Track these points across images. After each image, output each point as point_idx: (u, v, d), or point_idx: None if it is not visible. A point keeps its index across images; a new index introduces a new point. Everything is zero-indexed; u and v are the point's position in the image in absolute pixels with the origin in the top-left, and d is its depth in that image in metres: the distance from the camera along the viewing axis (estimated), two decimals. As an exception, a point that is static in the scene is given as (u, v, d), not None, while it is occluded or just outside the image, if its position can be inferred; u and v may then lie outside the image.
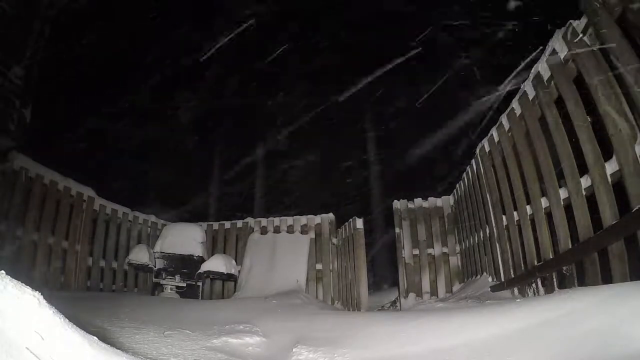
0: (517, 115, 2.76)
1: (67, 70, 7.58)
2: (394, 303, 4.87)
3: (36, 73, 3.96)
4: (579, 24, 1.99)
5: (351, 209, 7.25)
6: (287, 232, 5.21)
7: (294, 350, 1.88)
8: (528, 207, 2.67)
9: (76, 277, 4.23)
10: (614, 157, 1.80)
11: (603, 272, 1.87)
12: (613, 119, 1.76)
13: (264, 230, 5.33)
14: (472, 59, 7.75)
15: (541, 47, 2.35)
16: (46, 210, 3.96)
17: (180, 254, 4.75)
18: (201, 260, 4.75)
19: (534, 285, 2.58)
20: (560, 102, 2.23)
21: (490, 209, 3.33)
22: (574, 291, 1.77)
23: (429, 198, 4.79)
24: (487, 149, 3.39)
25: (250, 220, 5.48)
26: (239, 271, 4.94)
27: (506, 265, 3.07)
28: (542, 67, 2.37)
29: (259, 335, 2.18)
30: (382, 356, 1.73)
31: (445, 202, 4.74)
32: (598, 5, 1.80)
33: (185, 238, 4.85)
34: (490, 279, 3.43)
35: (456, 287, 4.31)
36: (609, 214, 1.81)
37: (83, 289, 4.30)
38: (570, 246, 2.17)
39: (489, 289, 3.21)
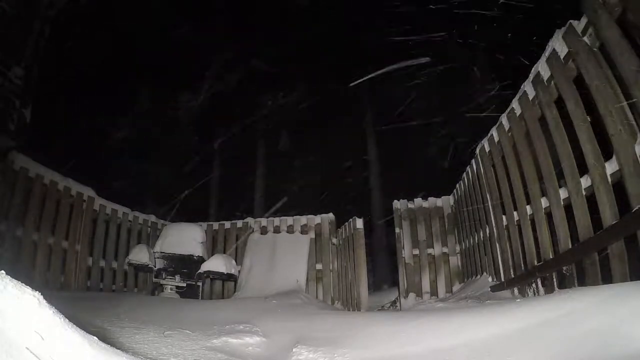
0: (517, 115, 2.76)
1: (67, 70, 7.58)
2: (394, 303, 4.87)
3: (36, 73, 3.96)
4: (579, 24, 1.99)
5: (351, 209, 7.25)
6: (287, 232, 5.21)
7: (294, 350, 1.88)
8: (528, 207, 2.67)
9: (76, 277, 4.23)
10: (614, 157, 1.80)
11: (603, 272, 1.87)
12: (613, 119, 1.76)
13: (264, 230, 5.33)
14: (473, 58, 7.74)
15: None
16: (46, 210, 3.96)
17: (180, 254, 4.75)
18: (201, 260, 4.76)
19: (534, 285, 2.58)
20: (560, 102, 2.23)
21: (490, 209, 3.33)
22: (574, 291, 1.77)
23: (429, 198, 4.79)
24: (487, 149, 3.39)
25: (250, 220, 5.48)
26: (239, 271, 4.94)
27: (506, 265, 3.07)
28: (542, 67, 2.37)
29: (259, 335, 2.18)
30: (382, 356, 1.73)
31: (445, 202, 4.74)
32: (598, 5, 1.80)
33: (185, 238, 4.85)
34: (490, 279, 3.43)
35: (456, 287, 4.31)
36: (609, 214, 1.81)
37: (83, 289, 4.30)
38: (570, 246, 2.17)
39: (489, 289, 3.21)
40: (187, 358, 1.71)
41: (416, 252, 4.59)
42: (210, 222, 5.73)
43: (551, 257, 2.37)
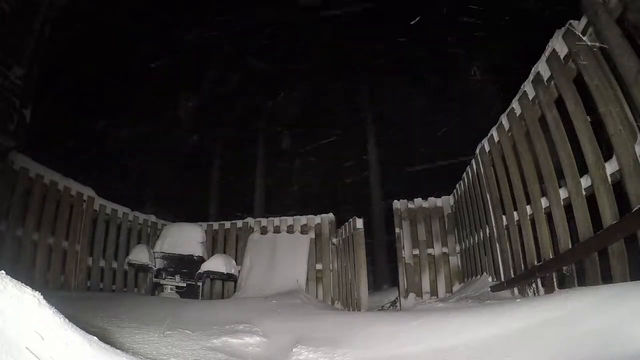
0: (517, 115, 2.76)
1: (67, 70, 7.58)
2: (394, 303, 4.87)
3: (36, 73, 3.96)
4: (579, 24, 1.99)
5: (351, 209, 7.25)
6: (287, 232, 5.21)
7: (294, 350, 1.88)
8: (528, 207, 2.67)
9: (76, 277, 4.23)
10: (614, 157, 1.80)
11: (603, 272, 1.87)
12: (613, 119, 1.76)
13: (264, 230, 5.33)
14: (473, 58, 7.75)
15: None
16: (46, 210, 3.96)
17: (180, 254, 4.75)
18: (201, 260, 4.76)
19: (534, 285, 2.58)
20: (560, 102, 2.23)
21: (490, 209, 3.33)
22: (574, 291, 1.77)
23: (429, 198, 4.79)
24: (487, 149, 3.39)
25: (250, 220, 5.48)
26: (239, 271, 4.94)
27: (506, 265, 3.07)
28: (542, 67, 2.37)
29: (259, 335, 2.18)
30: (382, 356, 1.73)
31: (445, 202, 4.74)
32: (598, 5, 1.80)
33: (185, 238, 4.85)
34: (490, 279, 3.43)
35: (456, 287, 4.31)
36: (609, 214, 1.81)
37: (83, 289, 4.30)
38: (570, 246, 2.17)
39: (489, 289, 3.21)
40: (187, 358, 1.71)
41: (416, 252, 4.59)
42: (210, 222, 5.74)
43: (551, 257, 2.37)
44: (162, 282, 4.65)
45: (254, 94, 9.73)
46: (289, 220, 5.29)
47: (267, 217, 5.49)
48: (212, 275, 4.81)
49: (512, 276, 2.93)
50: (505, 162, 3.02)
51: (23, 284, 0.83)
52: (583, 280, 2.05)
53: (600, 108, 1.84)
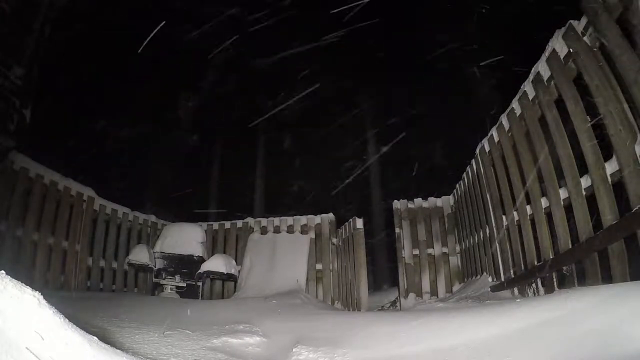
0: (517, 115, 2.76)
1: (67, 70, 7.58)
2: (394, 303, 4.87)
3: (36, 73, 3.96)
4: (579, 24, 1.99)
5: (351, 208, 7.25)
6: (287, 232, 5.21)
7: (294, 350, 1.88)
8: (528, 207, 2.67)
9: (76, 277, 4.23)
10: (614, 157, 1.80)
11: (603, 272, 1.87)
12: (613, 119, 1.76)
13: (264, 230, 5.33)
14: (473, 58, 7.74)
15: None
16: (46, 210, 3.96)
17: (180, 254, 4.75)
18: (201, 260, 4.76)
19: (534, 285, 2.58)
20: (560, 102, 2.23)
21: (490, 209, 3.33)
22: (574, 291, 1.77)
23: (429, 198, 4.79)
24: (487, 149, 3.39)
25: (250, 220, 5.48)
26: (239, 271, 4.94)
27: (506, 265, 3.07)
28: (542, 67, 2.37)
29: (259, 335, 2.18)
30: (382, 356, 1.73)
31: (445, 202, 4.74)
32: (598, 5, 1.80)
33: (185, 238, 4.85)
34: (490, 279, 3.43)
35: (456, 287, 4.31)
36: (609, 214, 1.81)
37: (83, 289, 4.30)
38: (570, 246, 2.17)
39: (489, 289, 3.21)
40: (187, 358, 1.71)
41: (416, 252, 4.59)
42: (210, 222, 5.74)
43: (551, 257, 2.37)
44: (162, 282, 4.64)
45: (254, 94, 9.73)
46: (289, 220, 5.29)
47: (267, 217, 5.49)
48: (212, 275, 4.81)
49: (512, 276, 2.93)
50: (505, 162, 3.02)
51: (23, 284, 0.83)
52: (583, 280, 2.05)
53: (600, 108, 1.84)
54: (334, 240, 5.03)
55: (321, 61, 9.00)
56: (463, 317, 1.92)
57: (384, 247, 8.44)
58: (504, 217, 3.09)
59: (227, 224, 5.56)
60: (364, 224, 4.38)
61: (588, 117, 2.02)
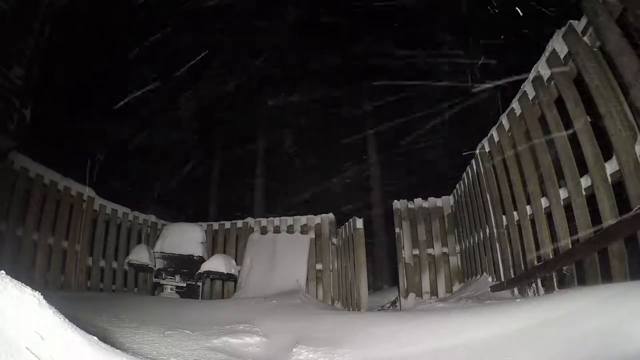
0: (517, 115, 2.76)
1: (67, 70, 7.58)
2: (394, 303, 4.87)
3: (36, 73, 3.96)
4: (579, 24, 1.99)
5: (351, 209, 7.25)
6: (287, 232, 5.21)
7: (294, 350, 1.88)
8: (528, 207, 2.67)
9: (76, 277, 4.23)
10: (614, 157, 1.80)
11: (603, 272, 1.87)
12: (613, 119, 1.76)
13: (264, 230, 5.33)
14: (473, 58, 7.74)
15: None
16: (46, 210, 3.96)
17: (180, 254, 4.75)
18: (201, 260, 4.76)
19: (534, 285, 2.58)
20: (560, 102, 2.23)
21: (490, 209, 3.33)
22: (574, 291, 1.77)
23: (429, 198, 4.79)
24: (487, 149, 3.39)
25: (250, 220, 5.48)
26: (239, 271, 4.94)
27: (506, 265, 3.07)
28: (542, 67, 2.37)
29: (259, 335, 2.18)
30: (382, 356, 1.73)
31: (445, 202, 4.74)
32: (598, 5, 1.80)
33: (185, 238, 4.85)
34: (490, 279, 3.43)
35: (456, 287, 4.31)
36: (609, 214, 1.81)
37: (83, 289, 4.30)
38: (570, 246, 2.17)
39: (489, 289, 3.21)
40: (187, 358, 1.71)
41: (416, 252, 4.59)
42: (210, 222, 5.73)
43: (551, 257, 2.37)
44: (162, 282, 4.64)
45: (254, 94, 9.73)
46: (289, 220, 5.29)
47: (267, 217, 5.49)
48: (212, 275, 4.81)
49: (512, 276, 2.93)
50: (505, 162, 3.02)
51: (23, 284, 0.83)
52: (583, 280, 2.05)
53: (600, 108, 1.84)
54: (334, 240, 5.03)
55: (322, 61, 9.01)
56: (463, 317, 1.92)
57: (384, 247, 8.44)
58: (504, 217, 3.09)
59: (227, 224, 5.56)
60: (364, 224, 4.38)
61: (588, 117, 2.02)
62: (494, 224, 3.28)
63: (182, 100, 9.53)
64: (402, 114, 8.48)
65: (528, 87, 2.58)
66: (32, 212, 3.81)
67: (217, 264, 4.66)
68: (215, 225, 5.60)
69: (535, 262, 2.56)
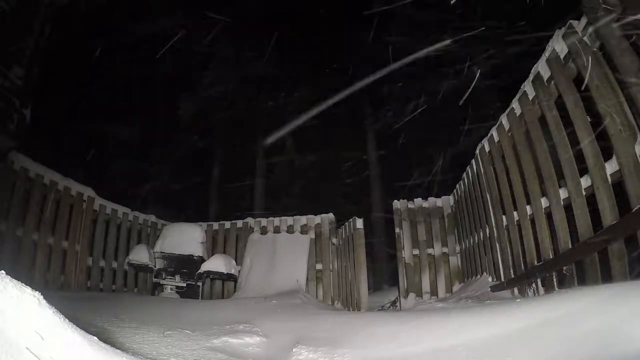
0: (517, 115, 2.76)
1: (67, 70, 7.58)
2: (394, 303, 4.87)
3: (36, 73, 3.96)
4: (579, 24, 1.99)
5: (351, 209, 7.25)
6: (287, 232, 5.21)
7: (294, 350, 1.88)
8: (528, 207, 2.67)
9: (76, 277, 4.23)
10: (614, 157, 1.80)
11: (603, 272, 1.87)
12: (613, 119, 1.76)
13: (264, 230, 5.33)
14: (473, 58, 7.74)
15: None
16: (46, 210, 3.96)
17: (180, 254, 4.75)
18: (201, 260, 4.76)
19: (534, 285, 2.58)
20: (560, 102, 2.23)
21: (490, 209, 3.33)
22: (574, 291, 1.77)
23: (429, 198, 4.79)
24: (487, 149, 3.39)
25: (250, 220, 5.48)
26: (239, 271, 4.94)
27: (506, 265, 3.07)
28: (542, 67, 2.37)
29: (259, 335, 2.18)
30: (382, 356, 1.73)
31: (445, 202, 4.74)
32: (598, 5, 1.80)
33: (185, 238, 4.85)
34: (490, 279, 3.43)
35: (456, 287, 4.31)
36: (609, 214, 1.81)
37: (83, 289, 4.30)
38: (570, 246, 2.17)
39: (489, 289, 3.21)
40: (187, 358, 1.71)
41: (416, 252, 4.59)
42: (210, 222, 5.73)
43: (551, 257, 2.37)
44: (162, 282, 4.64)
45: (254, 94, 9.73)
46: (289, 220, 5.29)
47: (267, 217, 5.49)
48: (212, 275, 4.81)
49: (512, 276, 2.93)
50: (505, 162, 3.02)
51: (23, 284, 0.83)
52: (583, 280, 2.05)
53: (600, 108, 1.84)
54: (334, 240, 5.03)
55: (322, 61, 9.01)
56: (463, 317, 1.92)
57: (384, 247, 8.44)
58: (504, 217, 3.09)
59: (227, 224, 5.56)
60: (364, 224, 4.38)
61: (588, 117, 2.02)
62: (494, 224, 3.28)
63: (183, 99, 9.53)
64: (402, 114, 8.49)
65: (528, 87, 2.58)
66: (32, 212, 3.81)
67: (217, 264, 4.66)
68: (215, 225, 5.60)
69: (535, 262, 2.56)
